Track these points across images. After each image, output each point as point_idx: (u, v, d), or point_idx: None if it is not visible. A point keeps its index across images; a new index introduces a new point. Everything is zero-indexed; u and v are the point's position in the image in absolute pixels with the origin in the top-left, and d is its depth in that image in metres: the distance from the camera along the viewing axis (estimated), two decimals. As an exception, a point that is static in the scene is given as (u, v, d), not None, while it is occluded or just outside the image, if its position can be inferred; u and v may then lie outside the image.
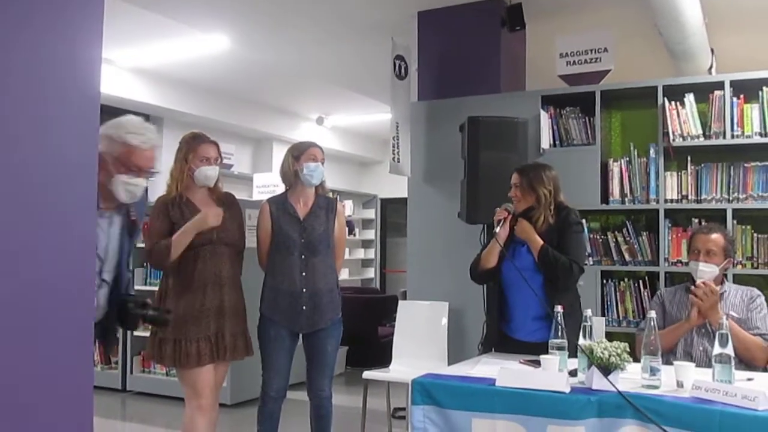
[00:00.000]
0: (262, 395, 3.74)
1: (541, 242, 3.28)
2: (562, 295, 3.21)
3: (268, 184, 8.61)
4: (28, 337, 2.22)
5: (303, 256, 3.66)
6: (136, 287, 6.27)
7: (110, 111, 7.88)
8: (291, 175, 3.78)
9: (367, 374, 4.59)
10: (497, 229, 3.36)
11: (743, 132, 4.29)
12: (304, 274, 3.65)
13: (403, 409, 5.02)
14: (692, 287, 3.21)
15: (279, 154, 9.76)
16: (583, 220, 4.59)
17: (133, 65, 7.24)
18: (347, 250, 9.76)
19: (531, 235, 3.32)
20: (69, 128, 2.38)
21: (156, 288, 6.17)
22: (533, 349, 3.07)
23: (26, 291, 2.23)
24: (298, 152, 3.76)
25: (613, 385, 2.45)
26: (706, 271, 3.22)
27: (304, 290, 3.64)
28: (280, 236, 3.68)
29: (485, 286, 3.71)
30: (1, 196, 2.16)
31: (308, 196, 3.78)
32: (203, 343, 3.41)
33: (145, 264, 6.32)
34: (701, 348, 3.22)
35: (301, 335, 3.73)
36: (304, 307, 3.63)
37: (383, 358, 4.95)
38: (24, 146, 2.24)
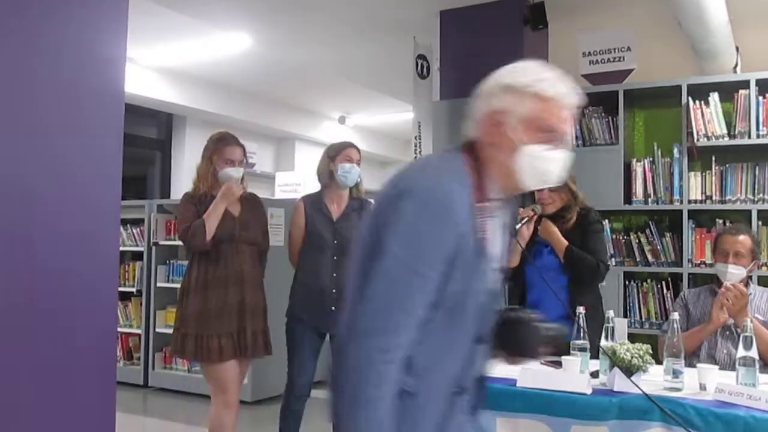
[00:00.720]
0: (287, 393, 3.78)
1: (566, 243, 3.26)
2: (584, 295, 3.19)
3: (290, 183, 8.64)
4: (54, 334, 2.25)
5: (335, 257, 3.68)
6: (159, 284, 6.33)
7: (134, 110, 7.95)
8: (326, 175, 3.80)
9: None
10: (519, 227, 3.31)
11: (769, 132, 4.24)
12: (335, 274, 3.66)
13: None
14: (721, 289, 3.17)
15: (301, 153, 9.84)
16: (606, 221, 4.59)
17: (157, 64, 7.29)
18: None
19: (555, 235, 3.29)
20: (94, 126, 2.41)
21: (178, 285, 6.24)
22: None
23: (52, 286, 2.26)
24: (335, 152, 3.78)
25: (638, 387, 2.42)
26: (734, 273, 3.18)
27: (334, 291, 3.65)
28: (313, 236, 3.72)
29: (506, 286, 3.69)
30: (28, 192, 2.19)
31: (342, 197, 3.80)
32: (225, 338, 3.45)
33: (167, 261, 6.37)
34: (725, 351, 3.18)
35: (328, 335, 3.76)
36: (333, 308, 3.64)
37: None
38: (51, 144, 2.27)
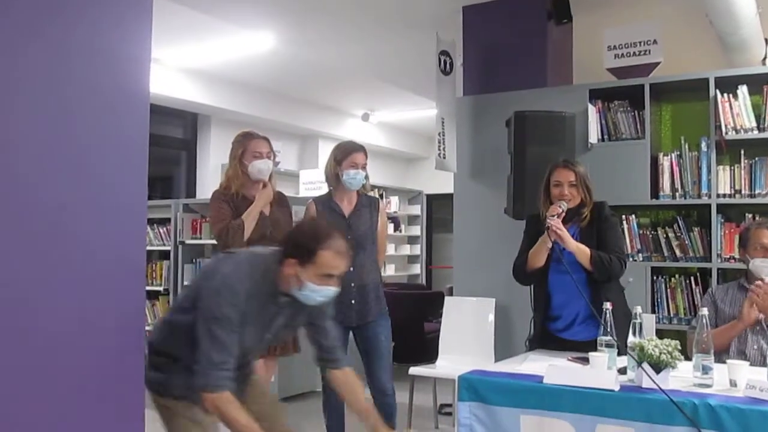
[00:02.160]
0: (324, 388, 3.85)
1: (587, 250, 3.19)
2: (606, 289, 3.15)
3: (314, 181, 8.65)
4: (82, 333, 2.28)
5: (350, 253, 3.70)
6: (186, 283, 6.38)
7: (159, 110, 8.00)
8: (333, 178, 3.89)
9: (414, 370, 4.59)
10: (547, 224, 3.25)
11: (799, 124, 4.17)
12: (352, 269, 3.69)
13: (450, 405, 5.01)
14: (751, 287, 3.12)
15: (325, 150, 9.79)
16: (632, 216, 4.55)
17: (182, 64, 7.35)
18: (393, 246, 9.77)
19: (574, 244, 3.20)
20: (120, 127, 2.43)
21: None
22: (579, 348, 3.03)
23: (79, 286, 2.28)
24: (341, 156, 3.84)
25: (660, 387, 2.39)
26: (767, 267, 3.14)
27: (353, 285, 3.73)
28: None
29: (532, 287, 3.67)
30: (56, 192, 2.22)
31: (351, 195, 3.90)
32: None
33: (194, 260, 6.42)
34: (756, 346, 3.14)
35: (352, 332, 3.82)
36: (353, 301, 3.74)
37: (429, 354, 4.95)
38: (77, 145, 2.30)
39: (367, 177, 3.89)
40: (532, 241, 3.36)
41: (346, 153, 3.83)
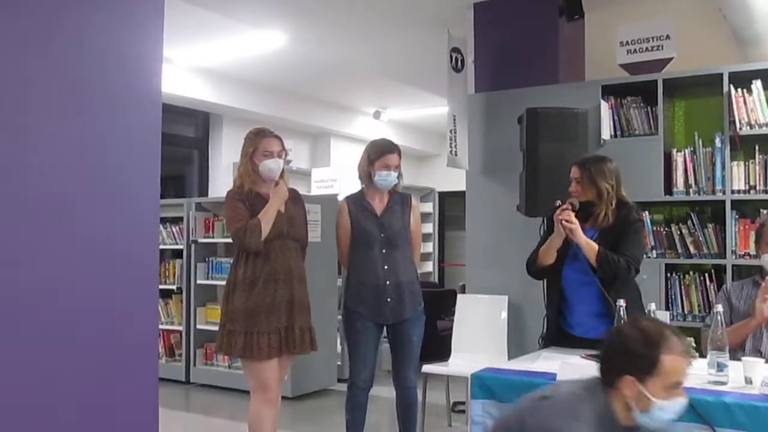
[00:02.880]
0: (350, 385, 3.87)
1: (596, 247, 3.16)
2: (621, 290, 3.13)
3: (325, 179, 8.67)
4: (97, 332, 2.29)
5: (384, 251, 3.78)
6: (199, 281, 6.40)
7: (171, 109, 8.02)
8: (365, 176, 3.88)
9: (427, 368, 4.59)
10: (557, 215, 3.23)
11: (814, 119, 4.13)
12: (386, 267, 3.77)
13: (463, 403, 5.00)
14: (764, 283, 3.09)
15: (337, 148, 9.86)
16: (646, 212, 4.52)
17: (193, 64, 7.37)
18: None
19: (580, 238, 3.18)
20: (133, 126, 2.44)
21: (217, 282, 6.31)
22: (593, 345, 3.01)
23: (93, 285, 2.29)
24: (375, 156, 3.82)
25: None
26: None
27: (388, 282, 3.76)
28: (360, 232, 3.81)
29: (545, 281, 3.65)
30: (69, 192, 2.23)
31: (383, 194, 3.89)
32: (273, 336, 3.47)
33: (206, 258, 6.44)
34: (771, 342, 3.12)
35: (385, 327, 3.85)
36: (388, 299, 3.76)
37: (442, 352, 4.95)
38: (90, 145, 2.31)
39: (400, 176, 3.87)
40: (548, 235, 3.35)
41: (379, 153, 3.81)
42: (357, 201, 3.88)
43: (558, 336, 3.37)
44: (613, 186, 3.25)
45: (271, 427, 3.51)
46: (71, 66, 2.23)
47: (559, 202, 3.43)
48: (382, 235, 3.79)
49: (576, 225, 3.16)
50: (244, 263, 3.52)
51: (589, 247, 3.16)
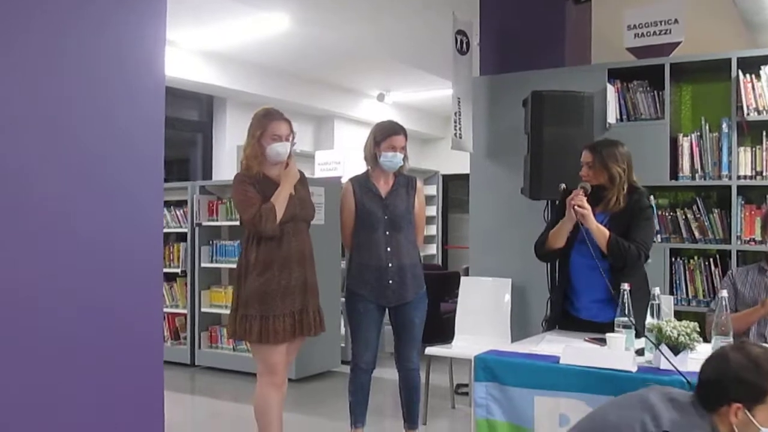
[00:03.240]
0: (353, 367, 3.89)
1: (607, 232, 3.15)
2: (629, 277, 3.11)
3: (329, 162, 8.66)
4: (102, 315, 2.30)
5: (387, 233, 3.78)
6: (203, 264, 6.41)
7: (175, 93, 7.96)
8: (371, 158, 3.87)
9: (430, 350, 4.61)
10: (569, 200, 3.20)
11: (822, 104, 4.10)
12: (389, 249, 3.76)
13: (466, 385, 5.02)
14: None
15: (340, 131, 9.84)
16: (651, 197, 4.50)
17: (196, 47, 7.34)
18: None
19: (591, 223, 3.16)
20: (136, 110, 2.43)
21: (222, 265, 6.32)
22: (598, 329, 3.01)
23: (98, 269, 2.30)
24: (381, 137, 3.81)
25: (676, 369, 2.38)
26: None
27: (390, 265, 3.76)
28: (364, 214, 3.80)
29: (549, 264, 3.66)
30: (72, 176, 2.23)
31: (388, 175, 3.88)
32: (288, 319, 3.46)
33: (210, 242, 6.45)
34: (775, 329, 3.12)
35: (387, 309, 3.85)
36: (390, 281, 3.76)
37: (445, 335, 4.96)
38: (93, 129, 2.30)
39: (405, 158, 3.85)
40: (559, 218, 3.33)
41: (385, 135, 3.79)
42: (362, 182, 3.88)
43: (563, 319, 3.37)
44: (624, 170, 3.24)
45: (277, 410, 3.52)
46: (72, 49, 2.22)
47: (563, 186, 3.42)
48: (386, 217, 3.78)
49: (588, 211, 3.14)
50: (256, 247, 3.46)
51: (600, 233, 3.15)
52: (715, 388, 2.01)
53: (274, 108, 3.66)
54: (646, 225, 3.25)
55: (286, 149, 3.54)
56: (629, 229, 3.18)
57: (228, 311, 6.18)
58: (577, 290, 3.32)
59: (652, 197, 4.50)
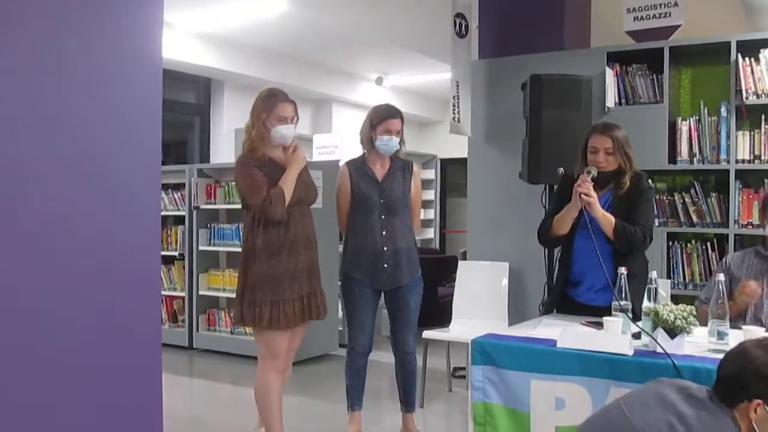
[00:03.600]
0: (349, 351, 3.90)
1: (613, 219, 3.12)
2: (631, 262, 3.08)
3: (327, 145, 8.64)
4: (100, 298, 2.30)
5: (383, 216, 3.77)
6: (201, 248, 6.41)
7: (172, 75, 7.92)
8: (367, 141, 3.85)
9: (427, 334, 4.62)
10: (580, 188, 3.17)
11: (822, 88, 4.09)
12: (384, 233, 3.76)
13: (463, 368, 5.04)
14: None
15: (338, 114, 9.82)
16: (649, 181, 4.50)
17: (194, 29, 7.30)
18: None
19: (601, 212, 3.14)
20: (133, 93, 2.42)
21: (219, 248, 6.32)
22: (597, 313, 3.01)
23: (95, 252, 2.30)
24: (377, 120, 3.78)
25: (665, 352, 2.40)
26: None
27: (386, 249, 3.76)
28: (360, 198, 3.79)
29: (548, 249, 3.65)
30: (69, 159, 2.22)
31: (385, 159, 3.87)
32: (297, 303, 3.45)
33: (208, 225, 6.44)
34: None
35: (383, 293, 3.86)
36: (385, 265, 3.76)
37: (443, 319, 4.98)
38: (90, 112, 2.30)
39: (402, 142, 3.83)
40: (561, 203, 3.30)
41: (381, 118, 3.77)
42: (358, 166, 3.86)
43: (564, 302, 3.38)
44: (632, 154, 3.23)
45: (278, 394, 3.51)
46: (69, 32, 2.21)
47: (561, 170, 3.41)
48: (382, 200, 3.78)
49: (594, 199, 3.10)
50: (263, 231, 3.42)
51: (607, 220, 3.13)
52: (735, 383, 1.98)
53: (278, 88, 3.59)
54: (647, 207, 3.25)
55: (292, 132, 3.48)
56: (630, 212, 3.16)
57: (226, 294, 6.27)
58: (579, 274, 3.31)
59: (650, 181, 4.50)
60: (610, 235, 3.14)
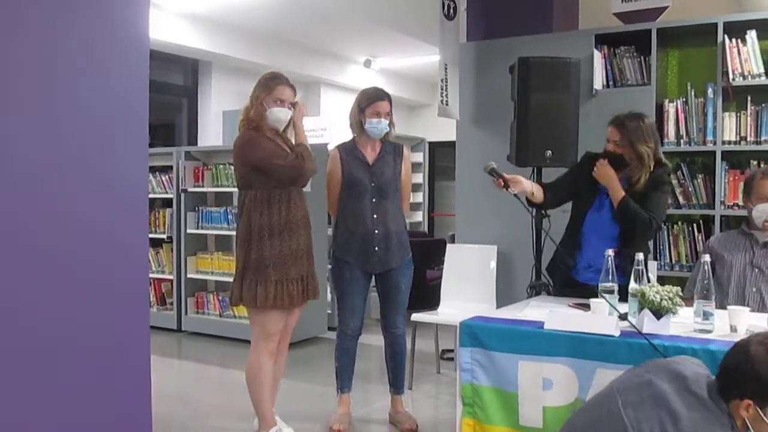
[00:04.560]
0: (339, 333, 3.92)
1: (623, 193, 3.14)
2: (638, 249, 3.07)
3: (315, 129, 8.60)
4: (88, 281, 2.29)
5: (374, 200, 3.78)
6: (189, 231, 6.39)
7: (159, 56, 7.85)
8: (356, 125, 3.86)
9: (416, 317, 4.64)
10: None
11: (808, 70, 4.11)
12: (375, 216, 3.77)
13: (452, 350, 5.07)
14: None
15: (327, 97, 9.77)
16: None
17: (181, 9, 7.23)
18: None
19: (613, 182, 3.16)
20: (119, 74, 2.40)
21: (208, 231, 6.30)
22: (593, 293, 3.01)
23: (83, 234, 2.29)
24: (365, 104, 3.79)
25: (639, 331, 2.42)
26: (766, 210, 3.15)
27: (377, 231, 3.77)
28: (351, 181, 3.80)
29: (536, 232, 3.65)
30: (55, 141, 2.21)
31: (375, 143, 3.87)
32: (300, 284, 3.48)
33: (196, 208, 6.42)
34: (755, 288, 3.18)
35: (374, 276, 3.87)
36: (376, 248, 3.78)
37: (431, 301, 4.99)
38: (76, 93, 2.28)
39: (391, 125, 3.84)
40: (569, 176, 3.45)
41: (369, 101, 3.77)
42: (349, 149, 3.86)
43: (562, 281, 3.40)
44: (651, 149, 3.17)
45: (270, 376, 3.51)
46: (53, 11, 2.18)
47: (549, 152, 3.43)
48: (373, 184, 3.78)
49: (613, 178, 3.17)
50: (267, 210, 3.42)
51: (617, 192, 3.17)
52: (732, 378, 1.93)
53: (280, 72, 3.65)
54: (659, 197, 3.22)
55: (287, 116, 3.52)
56: (643, 199, 3.16)
57: (214, 278, 6.27)
58: (583, 252, 3.31)
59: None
60: (615, 206, 3.16)
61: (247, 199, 3.47)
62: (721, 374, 1.97)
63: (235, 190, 6.07)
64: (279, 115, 3.47)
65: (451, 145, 5.41)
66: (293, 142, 3.57)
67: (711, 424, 1.89)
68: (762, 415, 1.86)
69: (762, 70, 4.19)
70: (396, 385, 3.99)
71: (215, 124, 8.38)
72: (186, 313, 6.46)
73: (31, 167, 2.14)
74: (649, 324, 2.48)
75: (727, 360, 1.98)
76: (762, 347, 1.89)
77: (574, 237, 3.35)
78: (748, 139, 4.27)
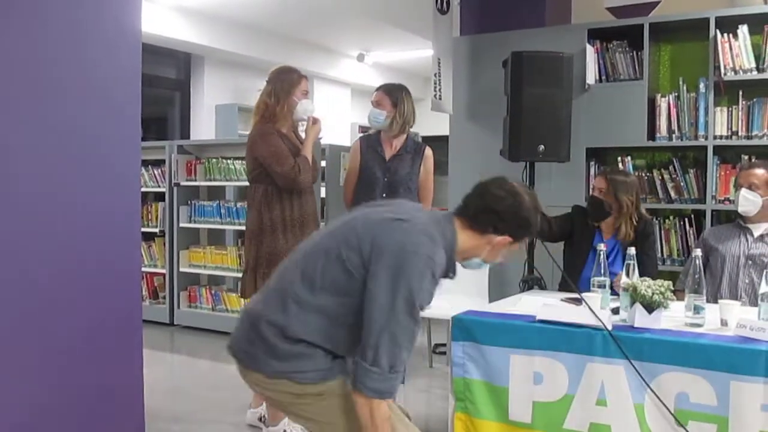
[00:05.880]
0: None
1: None
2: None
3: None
4: (81, 274, 2.29)
5: (384, 195, 3.81)
6: (182, 224, 6.38)
7: (151, 50, 7.82)
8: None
9: (409, 311, 4.63)
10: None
11: (799, 65, 4.12)
12: None
13: (444, 345, 5.08)
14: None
15: (320, 91, 9.75)
16: (628, 158, 4.54)
17: (174, 3, 7.21)
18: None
19: None
20: (112, 67, 2.40)
21: (200, 225, 6.29)
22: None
23: (76, 228, 2.28)
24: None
25: (602, 322, 2.44)
26: (748, 198, 3.19)
27: None
28: (366, 173, 3.85)
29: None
30: (48, 135, 2.20)
31: (399, 139, 3.91)
32: None
33: (189, 201, 6.41)
34: (747, 280, 3.20)
35: None
36: None
37: (424, 295, 4.99)
38: (68, 87, 2.27)
39: (395, 117, 3.84)
40: (566, 221, 3.65)
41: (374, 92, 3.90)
42: (370, 142, 3.94)
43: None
44: (632, 201, 3.47)
45: None
46: (45, 5, 2.18)
47: (542, 147, 3.44)
48: (386, 179, 3.83)
49: None
50: (279, 205, 3.47)
51: None
52: (490, 213, 2.21)
53: (290, 65, 3.72)
54: (653, 253, 3.64)
55: (313, 107, 3.60)
56: (640, 261, 3.15)
57: (207, 272, 6.26)
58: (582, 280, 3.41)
59: (629, 158, 4.55)
60: None
61: (259, 194, 3.51)
62: (483, 211, 2.22)
63: (228, 184, 6.14)
64: (307, 106, 3.55)
65: (444, 139, 5.41)
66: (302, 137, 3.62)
67: (434, 228, 2.10)
68: (503, 246, 2.15)
69: (753, 64, 4.21)
70: None
71: (208, 118, 8.36)
72: (178, 306, 6.45)
73: (22, 161, 2.13)
74: (640, 318, 2.49)
75: (492, 201, 2.25)
76: (529, 197, 2.23)
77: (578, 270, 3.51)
78: (740, 133, 4.28)
